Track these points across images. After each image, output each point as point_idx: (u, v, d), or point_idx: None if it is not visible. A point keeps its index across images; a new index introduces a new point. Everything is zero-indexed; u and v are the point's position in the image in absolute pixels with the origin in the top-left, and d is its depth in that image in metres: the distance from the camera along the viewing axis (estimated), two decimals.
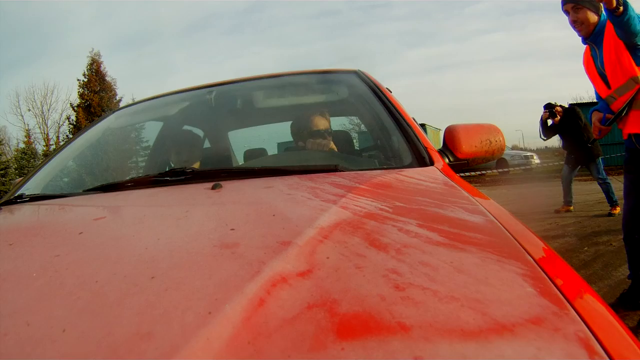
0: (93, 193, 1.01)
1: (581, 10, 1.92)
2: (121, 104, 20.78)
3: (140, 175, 1.25)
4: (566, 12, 1.99)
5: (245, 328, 0.34)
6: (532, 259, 0.43)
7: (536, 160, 14.98)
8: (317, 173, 0.88)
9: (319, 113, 1.41)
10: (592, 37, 1.96)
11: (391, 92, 1.31)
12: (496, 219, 0.55)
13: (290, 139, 1.52)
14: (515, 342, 0.31)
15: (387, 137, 1.15)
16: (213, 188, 0.81)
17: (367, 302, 0.37)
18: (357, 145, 2.11)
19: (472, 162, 1.03)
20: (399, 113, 1.10)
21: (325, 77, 1.50)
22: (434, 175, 0.82)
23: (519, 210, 5.48)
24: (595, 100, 2.22)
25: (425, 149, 0.95)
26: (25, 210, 0.97)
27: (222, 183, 0.84)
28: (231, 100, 1.54)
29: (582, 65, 2.14)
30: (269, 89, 1.53)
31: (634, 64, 1.83)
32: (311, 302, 0.37)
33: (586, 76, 2.13)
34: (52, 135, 25.27)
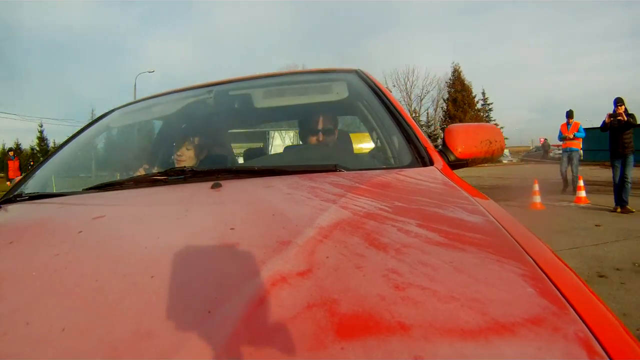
0: (93, 192, 1.01)
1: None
2: (478, 101, 34.07)
3: (140, 174, 1.25)
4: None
5: (245, 327, 0.34)
6: (531, 259, 0.43)
7: None
8: (317, 172, 0.88)
9: (326, 112, 1.41)
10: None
11: (391, 91, 1.31)
12: (496, 219, 0.55)
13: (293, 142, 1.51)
14: (515, 341, 0.31)
15: (387, 136, 1.15)
16: (213, 187, 0.81)
17: (367, 302, 0.37)
18: (357, 145, 2.11)
19: (472, 162, 1.03)
20: (399, 113, 1.10)
21: (325, 77, 1.50)
22: (433, 176, 0.82)
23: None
24: None
25: (425, 149, 0.95)
26: (24, 209, 0.96)
27: (221, 182, 0.84)
28: (231, 100, 1.53)
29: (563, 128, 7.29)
30: (268, 88, 1.53)
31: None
32: (311, 301, 0.37)
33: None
34: (414, 106, 35.97)
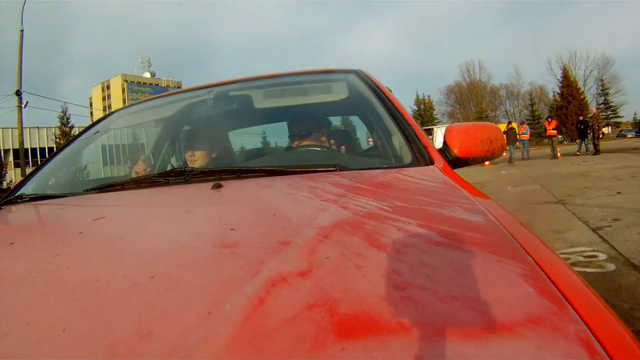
0: (93, 193, 1.01)
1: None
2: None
3: (140, 175, 1.25)
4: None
5: (245, 328, 0.34)
6: (531, 259, 0.43)
7: None
8: (317, 172, 0.88)
9: (325, 112, 1.41)
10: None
11: (391, 91, 1.31)
12: (496, 219, 0.54)
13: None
14: (516, 341, 0.31)
15: (387, 136, 1.15)
16: (213, 188, 0.81)
17: (367, 302, 0.36)
18: (357, 144, 2.11)
19: (473, 161, 1.03)
20: (399, 112, 1.10)
21: (326, 77, 1.50)
22: (434, 175, 0.82)
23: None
24: None
25: (425, 148, 0.95)
26: (25, 210, 0.97)
27: (222, 183, 0.84)
28: (231, 101, 1.53)
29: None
30: (269, 89, 1.53)
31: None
32: (311, 302, 0.37)
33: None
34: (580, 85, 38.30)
